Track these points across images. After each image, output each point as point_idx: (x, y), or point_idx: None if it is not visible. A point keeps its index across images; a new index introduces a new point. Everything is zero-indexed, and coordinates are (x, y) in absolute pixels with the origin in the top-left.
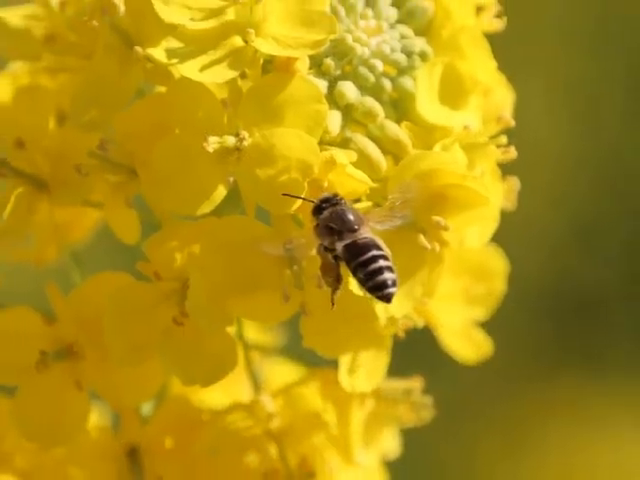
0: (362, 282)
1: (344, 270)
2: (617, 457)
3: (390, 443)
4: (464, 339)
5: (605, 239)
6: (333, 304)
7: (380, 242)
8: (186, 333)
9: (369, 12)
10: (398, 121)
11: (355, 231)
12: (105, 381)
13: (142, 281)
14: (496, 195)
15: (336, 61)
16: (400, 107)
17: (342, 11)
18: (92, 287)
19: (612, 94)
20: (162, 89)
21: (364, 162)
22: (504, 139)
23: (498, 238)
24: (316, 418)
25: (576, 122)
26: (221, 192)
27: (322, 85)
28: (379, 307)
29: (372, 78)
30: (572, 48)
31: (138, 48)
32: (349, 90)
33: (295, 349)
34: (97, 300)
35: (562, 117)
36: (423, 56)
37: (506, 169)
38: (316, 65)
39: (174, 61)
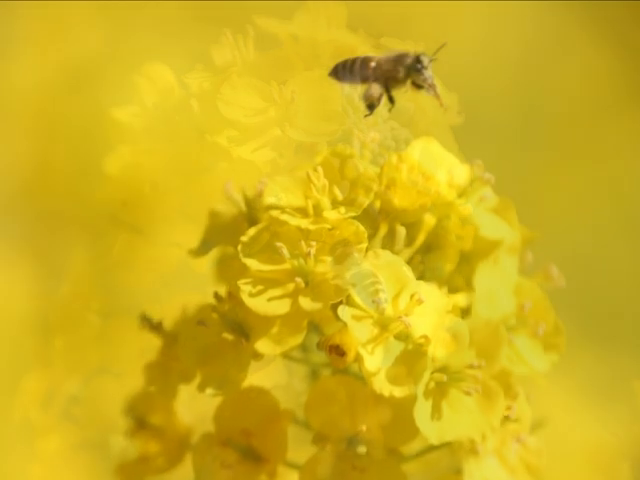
0: None
1: None
2: None
3: None
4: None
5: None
6: None
7: None
8: None
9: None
10: None
11: None
12: None
13: None
14: None
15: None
16: None
17: (350, 110)
18: None
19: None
20: (224, 164)
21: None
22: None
23: None
24: None
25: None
26: None
27: (336, 163)
28: None
29: (371, 157)
30: (503, 139)
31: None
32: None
33: None
34: None
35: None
36: (407, 141)
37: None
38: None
39: (233, 145)
